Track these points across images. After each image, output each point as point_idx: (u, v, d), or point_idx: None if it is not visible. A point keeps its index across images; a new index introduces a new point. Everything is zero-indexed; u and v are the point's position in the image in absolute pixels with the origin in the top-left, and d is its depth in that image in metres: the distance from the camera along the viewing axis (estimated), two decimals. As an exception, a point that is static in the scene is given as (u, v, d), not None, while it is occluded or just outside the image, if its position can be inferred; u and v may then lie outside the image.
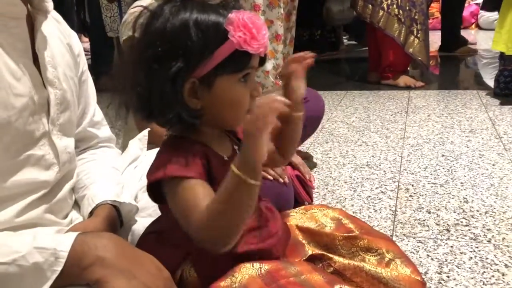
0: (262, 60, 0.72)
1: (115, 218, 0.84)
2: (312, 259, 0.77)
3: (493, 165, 1.79)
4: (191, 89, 0.67)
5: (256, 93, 0.71)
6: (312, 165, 1.90)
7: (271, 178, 1.25)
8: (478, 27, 5.36)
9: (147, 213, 0.89)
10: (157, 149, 0.73)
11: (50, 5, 0.82)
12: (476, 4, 5.37)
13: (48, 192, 0.81)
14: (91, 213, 0.84)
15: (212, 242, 0.66)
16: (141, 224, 0.87)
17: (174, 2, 0.67)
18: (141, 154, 1.09)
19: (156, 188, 0.70)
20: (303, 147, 2.05)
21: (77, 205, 0.90)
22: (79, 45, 0.95)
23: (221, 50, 0.65)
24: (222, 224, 0.64)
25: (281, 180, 1.26)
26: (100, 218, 0.81)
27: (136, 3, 1.38)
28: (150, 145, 1.13)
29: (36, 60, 0.79)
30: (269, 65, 2.57)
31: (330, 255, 0.77)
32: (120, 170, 0.99)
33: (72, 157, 0.87)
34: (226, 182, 0.63)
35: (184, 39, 0.65)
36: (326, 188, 1.68)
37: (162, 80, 0.65)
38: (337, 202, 1.55)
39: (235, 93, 0.69)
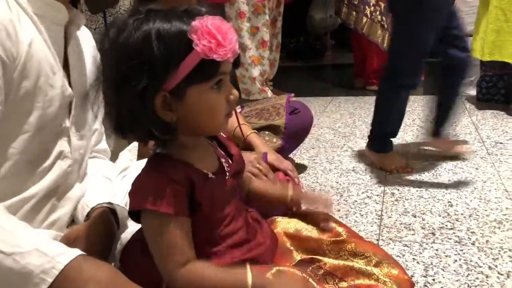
0: (236, 63, 0.69)
1: (111, 220, 0.85)
2: (302, 264, 0.78)
3: (477, 169, 1.82)
4: (163, 103, 0.64)
5: (232, 97, 0.69)
6: (299, 171, 1.91)
7: None
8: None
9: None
10: (146, 160, 0.72)
11: (83, 20, 0.89)
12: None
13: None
14: (87, 217, 0.85)
15: None
16: (130, 233, 0.87)
17: (138, 14, 0.65)
18: (130, 164, 1.10)
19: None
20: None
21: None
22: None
23: (187, 61, 0.62)
24: None
25: None
26: (96, 220, 0.83)
27: None
28: (141, 157, 1.14)
29: (65, 66, 0.85)
30: (255, 72, 2.59)
31: (319, 257, 0.77)
32: (111, 180, 1.00)
33: (83, 159, 0.92)
34: (229, 274, 0.66)
35: (147, 54, 0.62)
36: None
37: (130, 98, 0.63)
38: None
39: (209, 101, 0.67)
